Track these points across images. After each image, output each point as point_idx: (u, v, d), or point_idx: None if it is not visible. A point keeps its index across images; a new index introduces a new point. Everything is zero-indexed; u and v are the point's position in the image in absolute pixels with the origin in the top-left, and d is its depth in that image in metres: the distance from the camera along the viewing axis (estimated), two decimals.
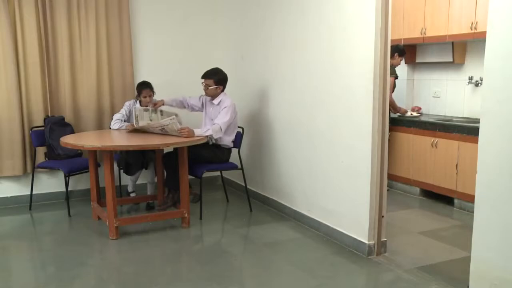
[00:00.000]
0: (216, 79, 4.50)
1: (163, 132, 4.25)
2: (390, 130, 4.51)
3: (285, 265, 3.53)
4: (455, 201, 4.80)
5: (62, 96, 4.97)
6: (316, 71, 4.02)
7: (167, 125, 4.15)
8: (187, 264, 3.67)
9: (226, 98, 4.53)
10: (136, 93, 4.79)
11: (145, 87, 4.68)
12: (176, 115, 4.47)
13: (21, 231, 4.34)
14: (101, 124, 5.11)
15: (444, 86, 5.46)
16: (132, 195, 4.92)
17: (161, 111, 4.59)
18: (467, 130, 4.58)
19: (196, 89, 4.76)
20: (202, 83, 4.54)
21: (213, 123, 4.40)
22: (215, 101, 4.56)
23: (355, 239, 3.68)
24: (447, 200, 4.89)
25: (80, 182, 5.15)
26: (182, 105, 4.79)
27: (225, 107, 4.43)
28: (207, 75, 4.52)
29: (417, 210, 4.87)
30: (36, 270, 3.56)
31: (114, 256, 3.79)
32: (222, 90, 4.57)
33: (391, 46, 3.51)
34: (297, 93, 4.32)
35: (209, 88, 4.50)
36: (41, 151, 4.84)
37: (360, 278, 3.39)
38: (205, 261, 3.61)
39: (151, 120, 4.39)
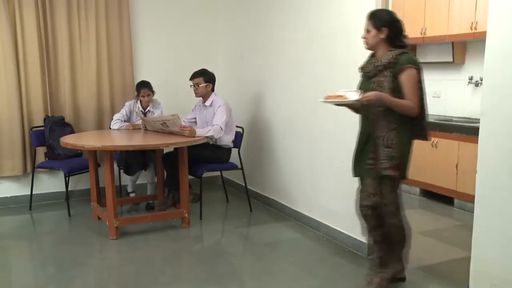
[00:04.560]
0: (204, 77, 4.52)
1: (164, 128, 4.26)
2: None
3: (285, 265, 3.53)
4: (455, 201, 4.80)
5: (62, 96, 4.98)
6: (316, 71, 4.02)
7: (169, 120, 4.16)
8: (187, 264, 3.67)
9: (217, 98, 4.54)
10: (136, 92, 4.80)
11: (143, 87, 4.70)
12: (176, 114, 4.48)
13: (21, 231, 4.34)
14: (101, 124, 5.12)
15: (444, 86, 5.46)
16: (132, 195, 4.92)
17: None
18: (467, 130, 4.58)
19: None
20: (191, 85, 4.56)
21: (212, 124, 4.40)
22: (207, 103, 4.57)
23: (355, 239, 3.68)
24: (447, 200, 4.89)
25: (80, 182, 5.15)
26: None
27: (219, 106, 4.45)
28: (195, 75, 4.55)
29: (417, 210, 4.87)
30: (36, 270, 3.56)
31: (114, 256, 3.79)
32: (212, 90, 4.58)
33: None
34: (297, 93, 4.32)
35: (200, 86, 4.51)
36: (41, 151, 4.83)
37: (360, 278, 3.38)
38: (205, 261, 3.61)
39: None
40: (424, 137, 2.97)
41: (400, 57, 2.77)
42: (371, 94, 2.72)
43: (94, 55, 5.00)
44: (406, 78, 2.75)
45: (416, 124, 2.87)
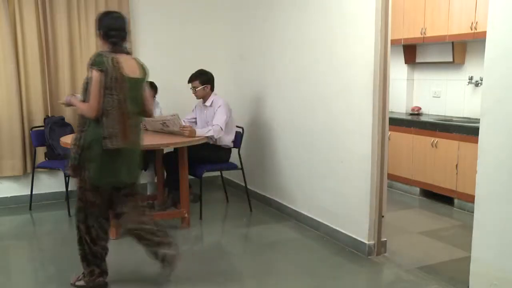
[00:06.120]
0: (200, 79, 4.52)
1: (164, 128, 4.26)
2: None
3: (285, 265, 3.53)
4: (455, 201, 4.80)
5: (62, 96, 4.93)
6: (316, 71, 4.02)
7: (169, 120, 4.16)
8: (187, 264, 3.66)
9: (217, 98, 4.55)
10: None
11: (150, 87, 4.70)
12: (176, 114, 4.49)
13: (21, 231, 4.34)
14: None
15: (444, 86, 5.46)
16: None
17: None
18: (467, 130, 4.58)
19: None
20: (191, 88, 4.57)
21: (211, 124, 4.40)
22: (207, 103, 4.57)
23: (355, 239, 3.68)
24: (447, 200, 4.89)
25: None
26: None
27: (219, 106, 4.46)
28: (191, 78, 4.55)
29: (417, 210, 4.87)
30: (36, 270, 3.56)
31: (114, 256, 3.78)
32: (211, 90, 4.59)
33: None
34: (297, 93, 4.32)
35: (197, 89, 4.52)
36: (41, 151, 4.83)
37: (360, 278, 3.39)
38: (205, 261, 3.60)
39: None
40: (106, 145, 2.76)
41: (95, 58, 2.74)
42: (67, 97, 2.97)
43: None
44: (91, 80, 2.71)
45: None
